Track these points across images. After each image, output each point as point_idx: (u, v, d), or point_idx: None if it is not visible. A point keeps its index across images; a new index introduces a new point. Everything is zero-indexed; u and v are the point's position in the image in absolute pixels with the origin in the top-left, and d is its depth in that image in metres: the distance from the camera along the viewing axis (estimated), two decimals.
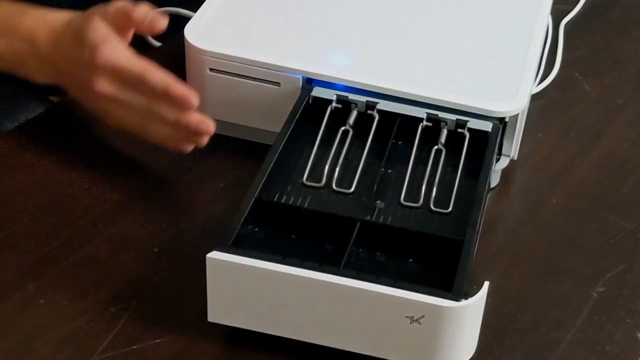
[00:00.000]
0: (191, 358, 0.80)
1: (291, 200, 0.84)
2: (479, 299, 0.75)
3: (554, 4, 1.10)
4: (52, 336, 0.80)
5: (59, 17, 0.91)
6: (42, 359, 0.79)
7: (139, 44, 1.14)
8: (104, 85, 0.88)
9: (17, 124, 1.01)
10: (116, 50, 0.87)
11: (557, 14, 1.22)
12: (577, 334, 0.84)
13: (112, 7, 0.89)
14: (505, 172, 0.99)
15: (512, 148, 0.97)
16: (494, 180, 0.97)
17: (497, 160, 0.96)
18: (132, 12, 0.88)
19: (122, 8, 0.89)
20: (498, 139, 0.91)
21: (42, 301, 0.83)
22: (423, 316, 0.74)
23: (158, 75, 0.87)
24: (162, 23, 0.89)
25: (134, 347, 0.80)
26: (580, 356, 0.83)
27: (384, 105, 0.92)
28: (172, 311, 0.83)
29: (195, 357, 0.80)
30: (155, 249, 0.88)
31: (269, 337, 0.79)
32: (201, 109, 0.99)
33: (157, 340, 0.81)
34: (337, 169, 0.87)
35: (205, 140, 0.90)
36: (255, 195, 0.82)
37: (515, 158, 1.00)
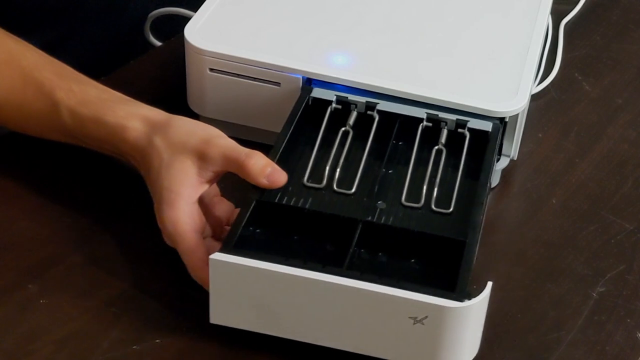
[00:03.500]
0: (192, 359, 0.80)
1: (292, 201, 0.84)
2: (483, 299, 0.75)
3: (554, 4, 1.10)
4: (52, 336, 0.80)
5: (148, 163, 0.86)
6: (42, 359, 0.79)
7: (139, 45, 1.14)
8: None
9: None
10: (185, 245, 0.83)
11: (557, 14, 1.22)
12: (577, 334, 0.84)
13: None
14: (505, 172, 0.99)
15: (512, 148, 0.97)
16: (494, 180, 0.97)
17: (497, 160, 0.96)
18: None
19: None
20: (498, 139, 0.91)
21: (42, 301, 0.83)
22: (426, 317, 0.74)
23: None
24: None
25: (135, 347, 0.80)
26: (580, 356, 0.83)
27: (383, 105, 0.92)
28: (173, 312, 0.83)
29: (196, 358, 0.80)
30: (156, 249, 0.87)
31: (270, 338, 0.79)
32: (201, 109, 1.00)
33: (158, 341, 0.81)
34: (338, 170, 0.87)
35: None
36: (257, 196, 0.82)
37: (515, 158, 1.00)
